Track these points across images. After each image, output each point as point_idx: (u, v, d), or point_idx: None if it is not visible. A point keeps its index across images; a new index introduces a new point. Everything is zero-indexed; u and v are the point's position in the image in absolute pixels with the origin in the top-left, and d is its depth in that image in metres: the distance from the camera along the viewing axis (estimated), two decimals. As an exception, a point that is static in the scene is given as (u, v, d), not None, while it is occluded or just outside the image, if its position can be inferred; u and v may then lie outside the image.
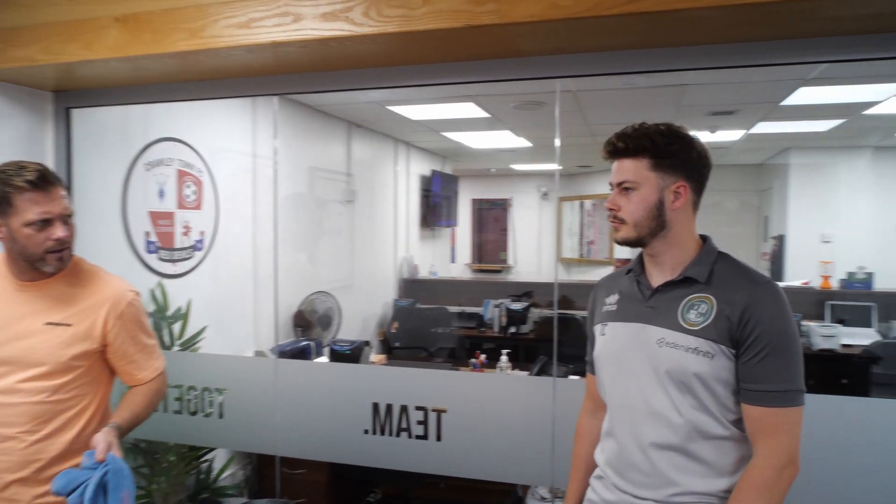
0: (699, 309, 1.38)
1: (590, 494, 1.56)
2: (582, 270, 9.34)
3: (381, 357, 4.47)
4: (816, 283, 5.46)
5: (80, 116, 2.56)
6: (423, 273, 6.52)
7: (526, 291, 6.19)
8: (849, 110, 4.44)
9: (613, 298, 1.53)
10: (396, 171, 6.06)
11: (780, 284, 5.22)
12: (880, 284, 5.18)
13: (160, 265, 3.13)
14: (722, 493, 1.36)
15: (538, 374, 3.62)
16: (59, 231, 1.61)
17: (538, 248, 9.74)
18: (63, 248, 1.65)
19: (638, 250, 1.49)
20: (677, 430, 1.37)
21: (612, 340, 1.49)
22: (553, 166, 8.57)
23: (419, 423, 2.17)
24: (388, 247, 5.98)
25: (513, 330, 5.54)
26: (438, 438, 2.16)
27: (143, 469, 2.95)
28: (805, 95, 3.89)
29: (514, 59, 1.95)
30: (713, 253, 1.44)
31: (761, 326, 1.32)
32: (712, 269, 1.41)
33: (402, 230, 6.21)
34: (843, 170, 6.10)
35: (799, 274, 5.76)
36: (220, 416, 2.44)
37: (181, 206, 3.25)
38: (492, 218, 10.01)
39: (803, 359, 1.35)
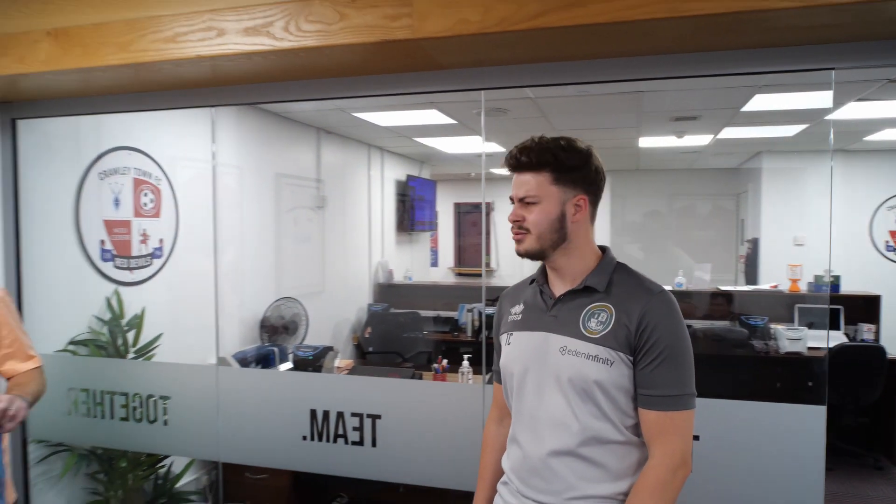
0: (599, 317, 1.41)
1: (496, 501, 1.59)
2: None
3: (348, 362, 4.50)
4: (786, 286, 5.50)
5: (26, 127, 2.59)
6: (399, 278, 6.54)
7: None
8: (808, 116, 4.49)
9: (518, 308, 1.56)
10: (370, 177, 6.09)
11: (751, 288, 5.21)
12: (847, 287, 5.22)
13: (116, 273, 3.15)
14: (620, 496, 1.40)
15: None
16: None
17: (520, 251, 9.79)
18: None
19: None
20: (575, 437, 1.40)
21: (516, 350, 1.52)
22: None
23: (355, 429, 2.21)
24: (363, 252, 6.01)
25: (486, 334, 5.56)
26: (374, 444, 2.19)
27: (98, 475, 2.97)
28: (762, 102, 3.93)
29: (437, 72, 1.99)
30: (612, 263, 1.48)
31: (657, 334, 1.35)
32: (611, 278, 1.45)
33: (376, 235, 6.24)
34: (812, 174, 6.15)
35: (773, 277, 5.81)
36: (165, 423, 2.47)
37: (138, 214, 3.28)
38: (472, 222, 10.06)
39: (694, 364, 1.40)
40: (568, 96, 3.84)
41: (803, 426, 1.82)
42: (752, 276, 6.56)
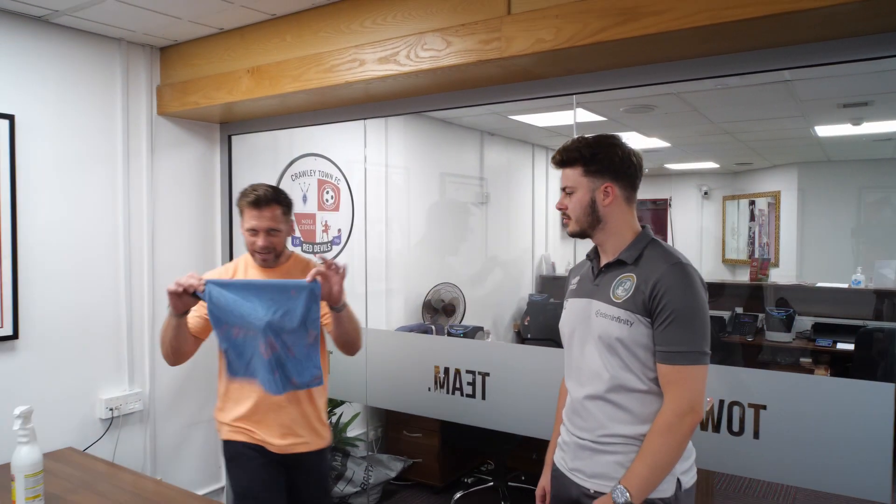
0: (625, 285, 1.69)
1: (559, 439, 1.92)
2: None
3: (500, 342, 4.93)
4: None
5: (238, 141, 3.38)
6: (560, 271, 6.83)
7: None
8: None
9: (576, 280, 1.88)
10: (534, 174, 6.46)
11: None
12: None
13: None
14: (642, 437, 1.67)
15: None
16: (259, 241, 2.10)
17: (699, 248, 9.50)
18: (264, 253, 2.12)
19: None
20: (604, 384, 1.69)
21: (568, 313, 1.85)
22: (711, 165, 8.36)
23: (468, 384, 2.63)
24: (526, 245, 6.41)
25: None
26: (483, 397, 2.60)
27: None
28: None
29: (533, 82, 2.34)
30: (645, 240, 1.74)
31: (666, 299, 1.60)
32: (642, 253, 1.71)
33: (540, 229, 6.60)
34: None
35: None
36: (328, 371, 3.10)
37: (321, 208, 4.01)
38: (651, 218, 9.95)
39: (708, 326, 1.62)
40: (709, 90, 3.90)
41: (871, 403, 1.90)
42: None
